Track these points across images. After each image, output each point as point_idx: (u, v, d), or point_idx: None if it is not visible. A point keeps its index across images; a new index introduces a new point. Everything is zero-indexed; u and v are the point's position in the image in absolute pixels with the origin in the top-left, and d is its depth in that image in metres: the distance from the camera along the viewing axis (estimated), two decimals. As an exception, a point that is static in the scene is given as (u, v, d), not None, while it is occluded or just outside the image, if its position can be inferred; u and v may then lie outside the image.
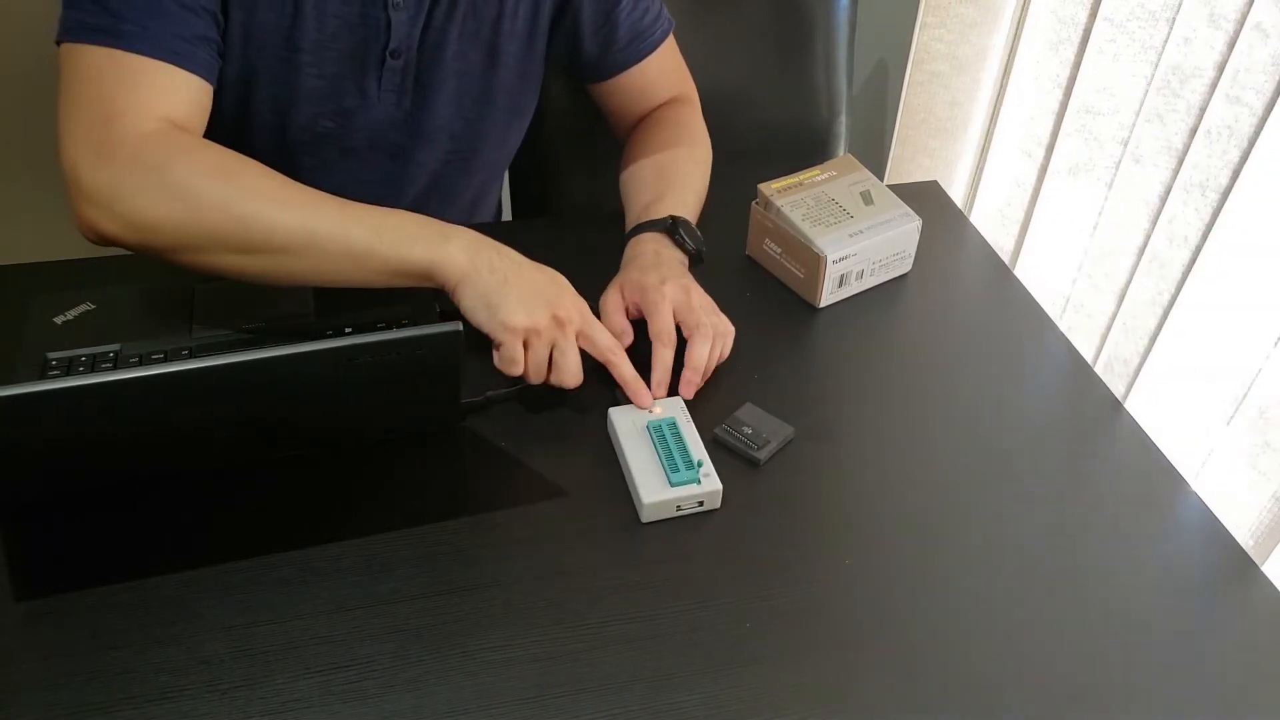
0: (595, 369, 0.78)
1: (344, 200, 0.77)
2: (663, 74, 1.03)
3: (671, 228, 0.89)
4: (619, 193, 1.00)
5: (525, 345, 0.75)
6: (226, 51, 0.84)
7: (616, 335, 0.81)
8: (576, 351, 0.76)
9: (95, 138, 0.73)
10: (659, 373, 0.79)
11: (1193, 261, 1.26)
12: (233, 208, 0.73)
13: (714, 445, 0.77)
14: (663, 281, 0.82)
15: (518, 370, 0.76)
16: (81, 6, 0.76)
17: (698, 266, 0.90)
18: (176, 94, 0.78)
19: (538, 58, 0.99)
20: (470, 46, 0.93)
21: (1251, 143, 1.15)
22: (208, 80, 0.81)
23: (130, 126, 0.74)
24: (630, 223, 0.93)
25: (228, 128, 0.88)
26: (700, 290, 0.84)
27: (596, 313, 0.81)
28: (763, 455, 0.76)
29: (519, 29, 0.95)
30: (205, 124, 0.82)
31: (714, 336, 0.81)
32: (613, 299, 0.85)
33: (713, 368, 0.82)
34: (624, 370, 0.77)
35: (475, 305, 0.75)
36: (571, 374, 0.77)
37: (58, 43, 0.78)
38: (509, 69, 0.96)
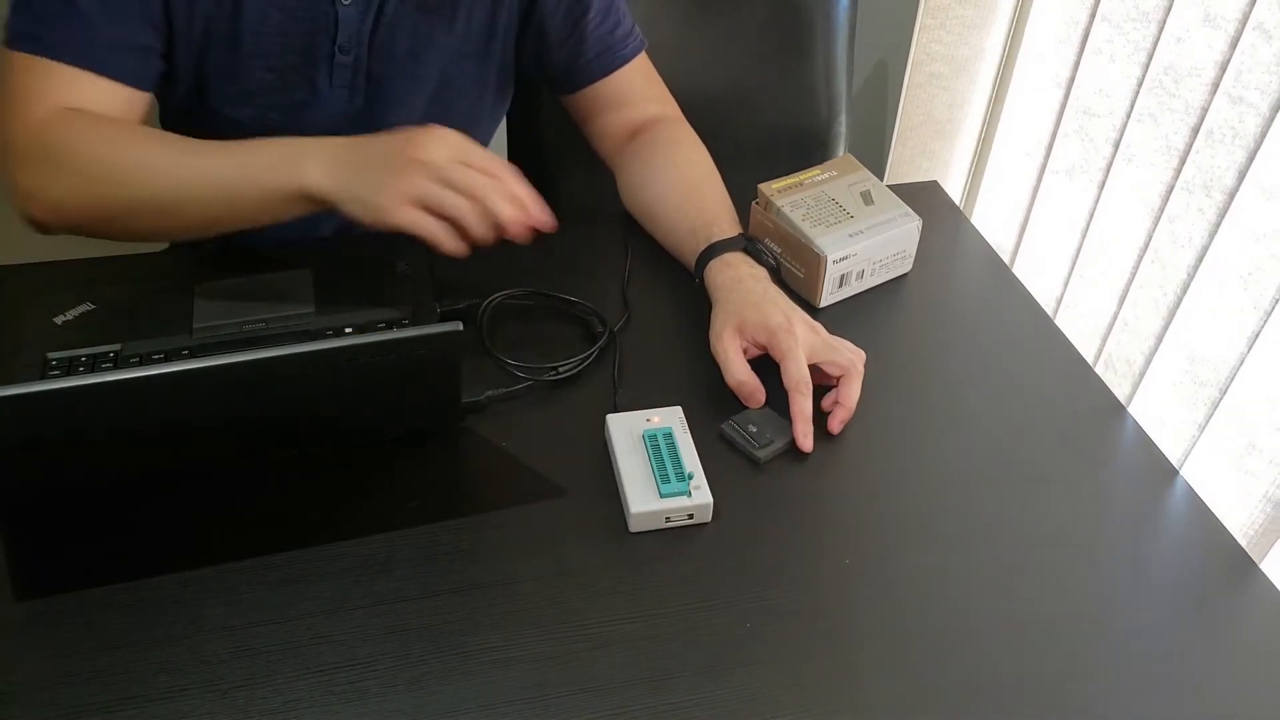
0: (599, 371, 0.78)
1: (205, 144, 0.78)
2: (638, 90, 1.01)
3: (750, 246, 0.88)
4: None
5: (428, 210, 0.72)
6: (177, 44, 0.86)
7: (747, 398, 0.79)
8: (473, 175, 0.72)
9: (5, 138, 0.80)
10: (802, 424, 0.76)
11: (1197, 262, 1.25)
12: (115, 172, 0.78)
13: (718, 441, 0.77)
14: (789, 320, 0.79)
15: (450, 244, 0.72)
16: (20, 13, 0.79)
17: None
18: (89, 97, 0.81)
19: (498, 63, 0.98)
20: (423, 46, 0.92)
21: (1258, 143, 1.15)
22: (136, 87, 0.84)
23: (28, 118, 0.79)
24: (692, 244, 0.89)
25: (190, 122, 0.89)
26: (820, 325, 0.82)
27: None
28: (763, 455, 0.76)
29: (474, 31, 0.94)
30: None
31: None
32: (733, 348, 0.80)
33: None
34: None
35: (361, 214, 0.74)
36: (497, 196, 0.72)
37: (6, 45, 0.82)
38: (464, 72, 0.96)
